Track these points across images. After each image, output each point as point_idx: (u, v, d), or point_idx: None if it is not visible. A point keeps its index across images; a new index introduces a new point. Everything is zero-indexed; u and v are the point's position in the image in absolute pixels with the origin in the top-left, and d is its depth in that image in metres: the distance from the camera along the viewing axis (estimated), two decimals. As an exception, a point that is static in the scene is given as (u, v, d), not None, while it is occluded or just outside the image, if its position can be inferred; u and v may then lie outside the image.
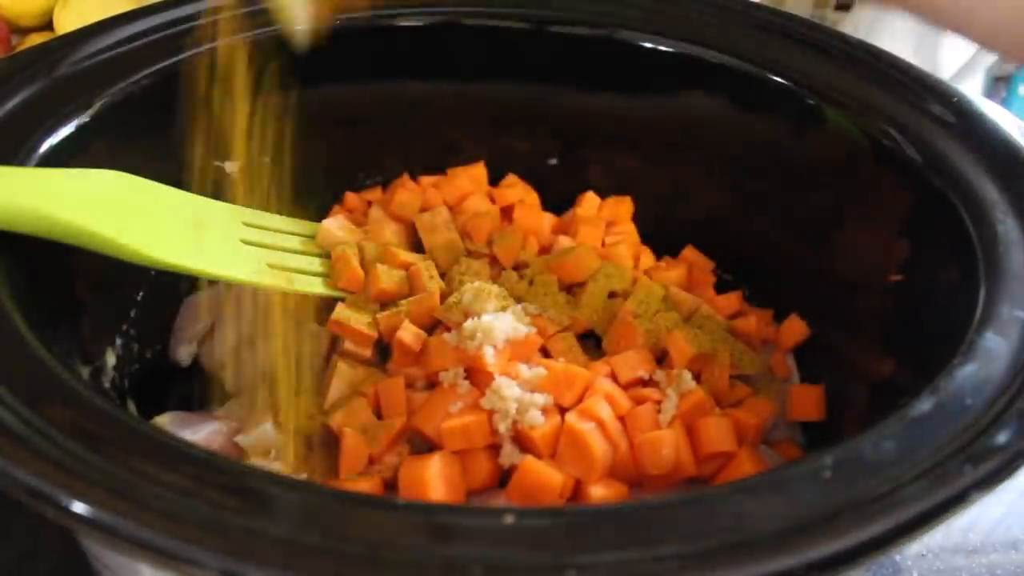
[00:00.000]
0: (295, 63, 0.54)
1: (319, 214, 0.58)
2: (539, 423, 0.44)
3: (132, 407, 0.51)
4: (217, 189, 0.55)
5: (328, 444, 0.48)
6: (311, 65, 0.55)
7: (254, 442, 0.47)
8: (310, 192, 0.59)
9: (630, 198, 0.61)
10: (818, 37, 0.54)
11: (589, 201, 0.61)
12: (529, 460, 0.43)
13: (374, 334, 0.51)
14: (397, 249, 0.54)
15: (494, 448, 0.46)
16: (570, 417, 0.44)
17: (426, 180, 0.61)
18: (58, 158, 0.44)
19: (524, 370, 0.48)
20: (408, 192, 0.58)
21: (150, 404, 0.52)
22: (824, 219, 0.53)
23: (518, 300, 0.52)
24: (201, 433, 0.48)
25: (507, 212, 0.59)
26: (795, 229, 0.55)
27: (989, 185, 0.43)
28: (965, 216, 0.42)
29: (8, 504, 0.50)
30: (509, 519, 0.27)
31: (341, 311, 0.50)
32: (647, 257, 0.59)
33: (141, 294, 0.53)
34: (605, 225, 0.59)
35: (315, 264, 0.53)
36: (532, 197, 0.61)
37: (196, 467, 0.29)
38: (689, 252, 0.60)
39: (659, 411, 0.47)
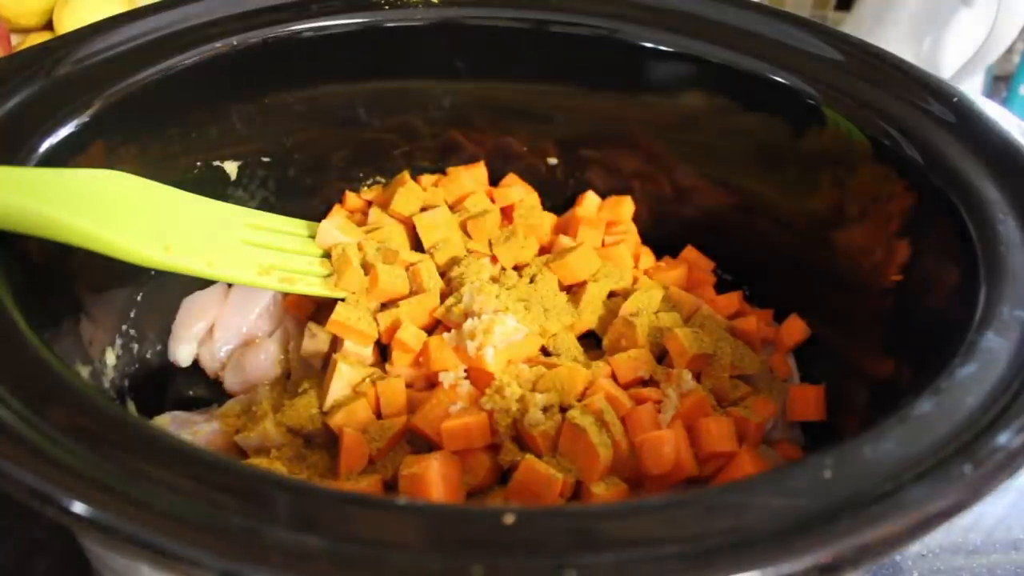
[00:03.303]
0: (298, 64, 0.54)
1: (319, 214, 0.58)
2: (540, 422, 0.44)
3: (132, 407, 0.51)
4: (217, 189, 0.55)
5: (328, 444, 0.48)
6: (312, 65, 0.55)
7: (254, 442, 0.47)
8: (310, 192, 0.60)
9: (630, 198, 0.61)
10: (818, 37, 0.54)
11: (589, 201, 0.61)
12: (529, 459, 0.43)
13: (374, 334, 0.51)
14: (397, 249, 0.54)
15: (494, 448, 0.46)
16: (571, 414, 0.44)
17: (426, 180, 0.61)
18: (58, 158, 0.44)
19: (524, 370, 0.48)
20: (408, 192, 0.58)
21: (150, 404, 0.52)
22: (824, 219, 0.53)
23: (518, 300, 0.52)
24: (201, 433, 0.48)
25: (507, 212, 0.59)
26: (795, 229, 0.55)
27: (989, 185, 0.43)
28: (965, 216, 0.42)
29: (8, 504, 0.50)
30: (509, 519, 0.27)
31: (341, 311, 0.50)
32: (647, 257, 0.59)
33: (141, 294, 0.53)
34: (605, 225, 0.59)
35: (315, 264, 0.53)
36: (532, 197, 0.61)
37: (196, 467, 0.29)
38: (689, 252, 0.60)
39: (659, 411, 0.47)
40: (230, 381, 0.54)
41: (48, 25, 0.87)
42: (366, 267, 0.52)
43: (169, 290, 0.55)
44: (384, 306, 0.52)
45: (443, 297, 0.52)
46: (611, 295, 0.55)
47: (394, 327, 0.50)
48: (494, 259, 0.56)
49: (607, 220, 0.60)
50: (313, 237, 0.55)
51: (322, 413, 0.48)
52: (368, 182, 0.61)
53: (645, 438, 0.44)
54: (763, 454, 0.47)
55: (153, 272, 0.52)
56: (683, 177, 0.59)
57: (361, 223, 0.58)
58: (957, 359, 0.35)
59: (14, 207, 0.39)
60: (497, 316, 0.49)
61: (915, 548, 0.54)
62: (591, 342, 0.54)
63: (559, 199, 0.62)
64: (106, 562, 0.40)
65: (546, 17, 0.56)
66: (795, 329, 0.54)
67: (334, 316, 0.50)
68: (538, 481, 0.42)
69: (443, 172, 0.62)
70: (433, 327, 0.52)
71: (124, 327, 0.52)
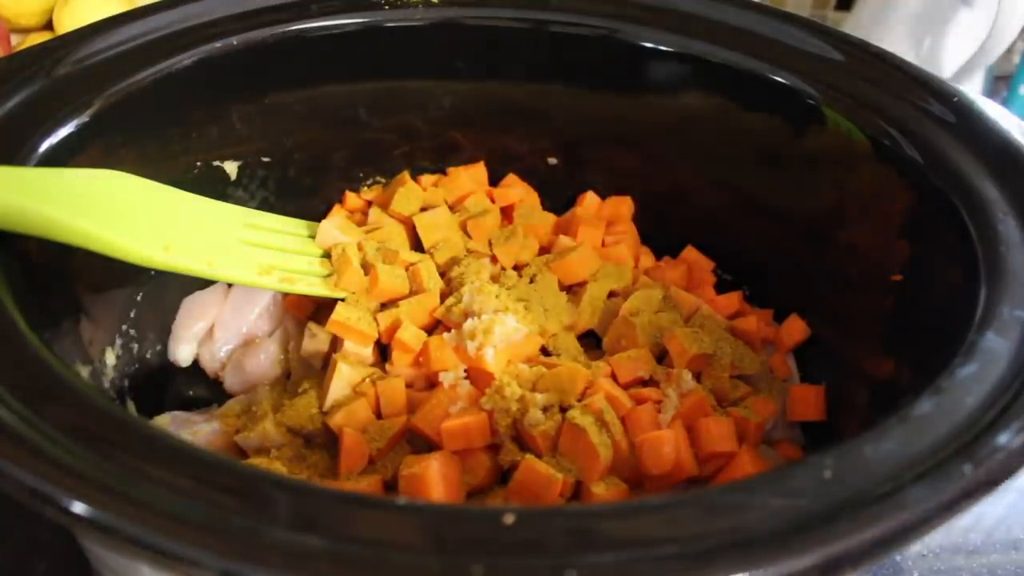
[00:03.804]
0: (298, 64, 0.54)
1: (319, 214, 0.58)
2: (540, 422, 0.44)
3: (132, 407, 0.51)
4: (217, 189, 0.55)
5: (328, 444, 0.48)
6: (312, 65, 0.55)
7: (254, 442, 0.47)
8: (310, 192, 0.60)
9: (630, 198, 0.61)
10: (818, 37, 0.54)
11: (589, 201, 0.61)
12: (529, 459, 0.43)
13: (374, 334, 0.51)
14: (397, 249, 0.54)
15: (494, 448, 0.46)
16: (571, 414, 0.44)
17: (426, 180, 0.61)
18: (58, 158, 0.44)
19: (524, 370, 0.48)
20: (408, 192, 0.58)
21: (150, 404, 0.52)
22: (824, 219, 0.53)
23: (518, 300, 0.52)
24: (201, 433, 0.48)
25: (507, 212, 0.59)
26: (795, 229, 0.55)
27: (989, 185, 0.43)
28: (965, 216, 0.42)
29: (8, 504, 0.50)
30: (509, 519, 0.27)
31: (341, 311, 0.50)
32: (647, 257, 0.59)
33: (141, 294, 0.53)
34: (605, 225, 0.59)
35: (315, 264, 0.53)
36: (532, 197, 0.61)
37: (196, 467, 0.29)
38: (689, 252, 0.60)
39: (659, 411, 0.47)
40: (230, 381, 0.54)
41: (48, 25, 0.87)
42: (366, 267, 0.52)
43: (169, 290, 0.55)
44: (384, 306, 0.52)
45: (443, 297, 0.52)
46: (611, 295, 0.55)
47: (394, 327, 0.50)
48: (494, 259, 0.56)
49: (607, 220, 0.60)
50: (313, 237, 0.55)
51: (322, 413, 0.48)
52: (368, 182, 0.61)
53: (645, 438, 0.44)
54: (763, 454, 0.47)
55: (153, 272, 0.52)
56: (683, 177, 0.59)
57: (361, 223, 0.58)
58: (957, 359, 0.35)
59: (14, 207, 0.39)
60: (497, 316, 0.49)
61: (915, 548, 0.54)
62: (591, 342, 0.54)
63: (559, 199, 0.62)
64: (106, 562, 0.40)
65: (546, 17, 0.56)
66: (795, 329, 0.54)
67: (334, 316, 0.50)
68: (538, 481, 0.42)
69: (443, 172, 0.62)
70: (433, 327, 0.52)
71: (124, 327, 0.52)
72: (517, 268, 0.56)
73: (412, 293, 0.52)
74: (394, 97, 0.58)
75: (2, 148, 0.42)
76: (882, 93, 0.50)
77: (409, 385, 0.49)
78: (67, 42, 0.49)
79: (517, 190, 0.61)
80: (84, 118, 0.45)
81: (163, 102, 0.49)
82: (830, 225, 0.52)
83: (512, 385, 0.46)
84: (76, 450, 0.29)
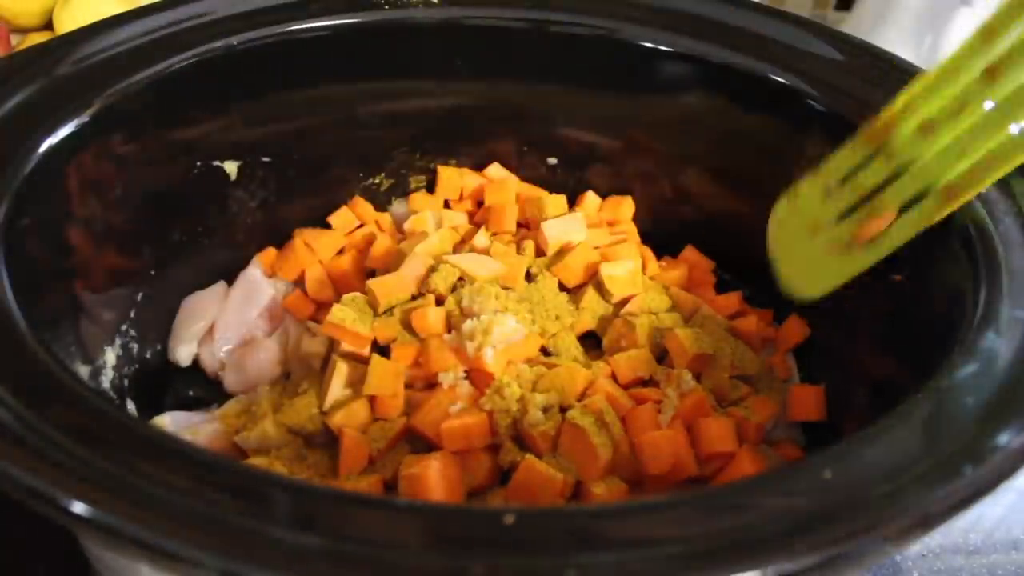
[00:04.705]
0: (298, 64, 0.54)
1: (320, 214, 0.58)
2: (540, 422, 0.44)
3: (132, 407, 0.51)
4: (217, 189, 0.55)
5: (328, 444, 0.48)
6: (312, 65, 0.55)
7: (254, 442, 0.47)
8: (311, 192, 0.60)
9: (630, 198, 0.61)
10: (818, 37, 0.54)
11: (589, 201, 0.61)
12: (530, 459, 0.43)
13: (369, 335, 0.50)
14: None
15: (494, 448, 0.46)
16: (571, 414, 0.44)
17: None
18: (58, 158, 0.44)
19: (525, 370, 0.48)
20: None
21: (150, 404, 0.52)
22: (824, 219, 0.52)
23: (518, 300, 0.52)
24: (201, 433, 0.48)
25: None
26: (795, 229, 0.55)
27: (989, 185, 0.43)
28: (965, 216, 0.42)
29: (8, 504, 0.50)
30: (509, 519, 0.27)
31: (336, 313, 0.50)
32: (647, 257, 0.59)
33: (141, 294, 0.53)
34: (605, 225, 0.59)
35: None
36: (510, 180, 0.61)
37: (196, 467, 0.29)
38: (689, 252, 0.60)
39: (659, 411, 0.47)
40: (230, 381, 0.54)
41: (48, 25, 0.87)
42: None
43: (169, 290, 0.55)
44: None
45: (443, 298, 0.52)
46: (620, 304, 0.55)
47: (390, 336, 0.50)
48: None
49: (607, 220, 0.60)
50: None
51: (322, 413, 0.48)
52: (368, 182, 0.61)
53: (645, 438, 0.44)
54: (763, 454, 0.47)
55: (152, 271, 0.52)
56: (683, 177, 0.59)
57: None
58: (957, 358, 0.35)
59: None
60: (496, 316, 0.49)
61: (915, 548, 0.54)
62: (591, 342, 0.54)
63: (559, 199, 0.62)
64: (106, 562, 0.40)
65: (546, 17, 0.56)
66: (795, 329, 0.54)
67: (329, 318, 0.50)
68: (538, 481, 0.42)
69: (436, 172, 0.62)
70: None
71: (124, 327, 0.51)
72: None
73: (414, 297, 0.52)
74: (394, 97, 0.58)
75: (2, 148, 0.42)
76: (882, 93, 0.49)
77: (409, 385, 0.49)
78: (67, 42, 0.49)
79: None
80: (84, 118, 0.45)
81: (163, 102, 0.49)
82: (830, 225, 0.52)
83: (512, 385, 0.46)
84: (76, 450, 0.29)
